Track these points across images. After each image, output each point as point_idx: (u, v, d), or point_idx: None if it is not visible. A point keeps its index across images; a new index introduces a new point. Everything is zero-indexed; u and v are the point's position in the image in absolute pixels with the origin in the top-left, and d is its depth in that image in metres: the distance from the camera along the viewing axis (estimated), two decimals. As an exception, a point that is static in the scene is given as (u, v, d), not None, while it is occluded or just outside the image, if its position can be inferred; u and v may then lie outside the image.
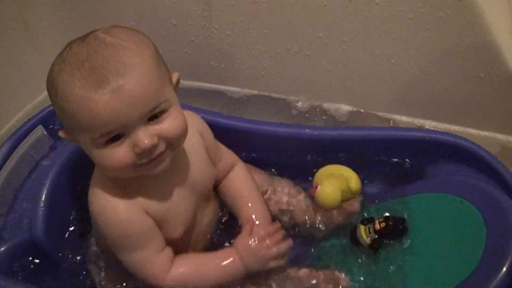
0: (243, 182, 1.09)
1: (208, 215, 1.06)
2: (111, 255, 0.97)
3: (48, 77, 0.85)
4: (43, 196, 1.01)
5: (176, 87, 0.92)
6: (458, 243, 0.93)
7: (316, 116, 1.32)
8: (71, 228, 1.09)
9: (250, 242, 0.95)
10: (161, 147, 0.84)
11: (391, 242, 0.99)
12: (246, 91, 1.35)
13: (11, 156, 1.10)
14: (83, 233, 1.09)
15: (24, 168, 1.12)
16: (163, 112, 0.84)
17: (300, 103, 1.33)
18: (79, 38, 0.85)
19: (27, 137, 1.15)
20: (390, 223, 0.98)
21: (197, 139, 1.02)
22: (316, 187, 1.06)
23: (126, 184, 0.90)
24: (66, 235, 1.07)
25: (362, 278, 0.99)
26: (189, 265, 0.93)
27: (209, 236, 1.07)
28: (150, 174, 0.88)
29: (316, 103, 1.31)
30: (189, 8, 1.24)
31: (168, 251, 0.93)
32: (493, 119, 1.19)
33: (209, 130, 1.06)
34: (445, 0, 1.06)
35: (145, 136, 0.81)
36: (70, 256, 1.06)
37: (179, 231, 0.96)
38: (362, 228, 1.00)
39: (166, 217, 0.94)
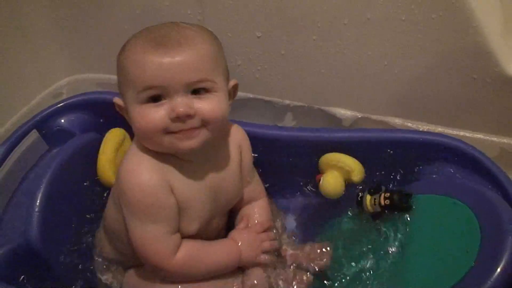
0: (260, 214, 1.09)
1: (220, 229, 1.07)
2: (118, 239, 0.99)
3: (120, 50, 0.93)
4: (38, 201, 1.01)
5: (232, 92, 0.98)
6: (452, 244, 0.93)
7: (310, 119, 1.33)
8: (68, 232, 1.08)
9: (246, 233, 1.01)
10: (195, 121, 0.87)
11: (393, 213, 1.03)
12: (241, 94, 1.35)
13: (6, 160, 1.10)
14: (81, 237, 1.09)
15: (19, 173, 1.12)
16: (207, 91, 0.88)
17: (295, 105, 1.33)
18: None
19: (22, 141, 1.15)
20: (395, 201, 1.01)
21: (235, 153, 1.03)
22: (320, 176, 1.13)
23: (160, 160, 0.92)
24: (63, 240, 1.07)
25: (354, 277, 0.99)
26: (192, 250, 0.94)
27: None
28: (180, 150, 0.89)
29: (310, 106, 1.31)
30: (182, 11, 1.24)
31: (178, 236, 0.94)
32: (486, 120, 1.19)
33: (250, 150, 1.08)
34: (438, 2, 1.06)
35: (183, 103, 0.85)
36: (67, 260, 1.05)
37: (194, 228, 0.97)
38: (368, 198, 1.06)
39: (186, 207, 0.94)
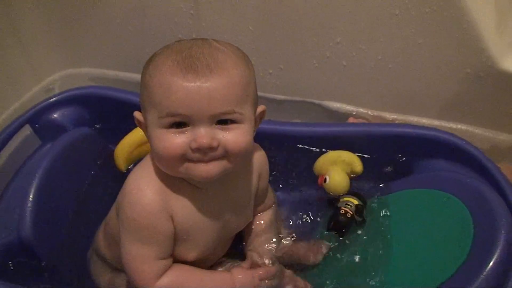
0: (265, 227, 1.07)
1: (225, 250, 1.05)
2: (117, 245, 0.95)
3: (149, 58, 0.88)
4: (31, 196, 1.01)
5: (258, 118, 0.92)
6: (446, 238, 0.93)
7: (304, 113, 1.33)
8: (61, 227, 1.08)
9: (247, 274, 0.95)
10: (217, 154, 0.82)
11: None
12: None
13: (-2, 155, 1.09)
14: (75, 233, 1.09)
15: (12, 168, 1.12)
16: (234, 122, 0.83)
17: (289, 100, 1.33)
18: (191, 39, 0.89)
19: (14, 136, 1.15)
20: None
21: (254, 180, 1.00)
22: (324, 177, 1.11)
23: (170, 185, 0.89)
24: (56, 235, 1.06)
25: (345, 273, 0.99)
26: (179, 277, 0.91)
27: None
28: (195, 178, 0.86)
29: (304, 100, 1.31)
30: (175, 6, 1.24)
31: (168, 261, 0.91)
32: (480, 114, 1.20)
33: (268, 173, 1.05)
34: (432, -4, 1.06)
35: (206, 134, 0.80)
36: (60, 256, 1.05)
37: (193, 255, 0.94)
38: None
39: (188, 236, 0.92)
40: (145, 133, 0.89)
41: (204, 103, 0.79)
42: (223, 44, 0.87)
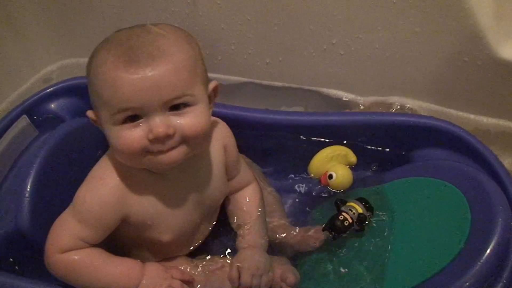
0: (250, 207, 1.07)
1: (209, 225, 1.05)
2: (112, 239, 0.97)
3: (91, 54, 0.86)
4: (28, 186, 1.00)
5: (213, 94, 0.91)
6: (443, 225, 0.94)
7: (302, 100, 1.33)
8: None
9: (159, 270, 0.92)
10: (175, 141, 0.82)
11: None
12: (235, 78, 1.35)
13: (-4, 146, 1.09)
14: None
15: (9, 158, 1.11)
16: (186, 105, 0.83)
17: (287, 87, 1.33)
18: (129, 27, 0.87)
19: (12, 127, 1.14)
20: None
21: (219, 153, 1.00)
22: (327, 175, 1.10)
23: (129, 176, 0.89)
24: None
25: (344, 261, 0.99)
26: (83, 260, 0.88)
27: (204, 238, 1.06)
28: (158, 168, 0.87)
29: (302, 88, 1.31)
30: (172, -6, 1.24)
31: (85, 245, 0.89)
32: (477, 102, 1.20)
33: (235, 145, 1.04)
34: (429, -16, 1.06)
35: (161, 123, 0.80)
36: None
37: (167, 238, 0.95)
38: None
39: (154, 221, 0.92)
40: (101, 130, 0.88)
41: (153, 93, 0.79)
42: (163, 27, 0.85)
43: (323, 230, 1.00)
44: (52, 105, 1.21)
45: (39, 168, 1.03)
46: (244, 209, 1.06)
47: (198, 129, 0.84)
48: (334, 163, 1.12)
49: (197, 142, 0.86)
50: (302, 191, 1.19)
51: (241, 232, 1.03)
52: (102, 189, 0.89)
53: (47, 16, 1.36)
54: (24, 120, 1.15)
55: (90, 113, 0.90)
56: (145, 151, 0.82)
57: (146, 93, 0.79)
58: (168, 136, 0.81)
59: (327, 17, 1.17)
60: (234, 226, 1.06)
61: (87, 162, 1.13)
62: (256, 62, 1.29)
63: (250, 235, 1.02)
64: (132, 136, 0.81)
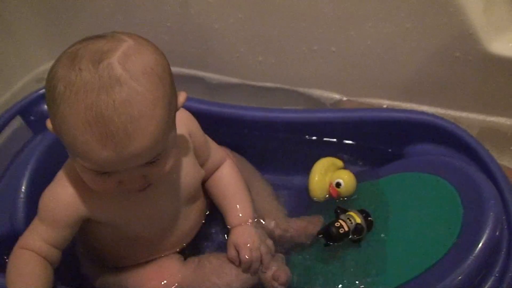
0: (229, 182, 1.06)
1: (194, 216, 1.04)
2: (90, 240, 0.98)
3: (51, 86, 0.76)
4: (23, 187, 1.01)
5: (181, 107, 0.88)
6: (436, 220, 0.94)
7: (293, 101, 1.33)
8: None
9: None
10: (146, 182, 0.83)
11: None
12: (225, 77, 1.35)
13: (-11, 147, 1.09)
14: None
15: (3, 160, 1.11)
16: (157, 157, 0.80)
17: (278, 88, 1.33)
18: (91, 56, 0.75)
19: (6, 128, 1.14)
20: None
21: (185, 141, 0.98)
22: (335, 184, 1.08)
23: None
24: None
25: (337, 257, 1.00)
26: (22, 261, 0.87)
27: (194, 233, 1.06)
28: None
29: (293, 88, 1.32)
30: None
31: (51, 251, 0.87)
32: (469, 98, 1.20)
33: (199, 128, 1.02)
34: (419, -19, 1.06)
35: (133, 178, 0.80)
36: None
37: (147, 234, 0.95)
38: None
39: (125, 220, 0.92)
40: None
41: (128, 163, 0.76)
42: (134, 72, 0.74)
43: (318, 234, 1.00)
44: (46, 106, 1.21)
45: (34, 169, 1.03)
46: (224, 187, 1.06)
47: (165, 171, 0.84)
48: (331, 173, 1.10)
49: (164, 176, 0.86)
50: (297, 189, 1.20)
51: (227, 210, 1.03)
52: (58, 188, 0.89)
53: (39, 15, 1.36)
54: (18, 121, 1.16)
55: (49, 126, 0.82)
56: (115, 190, 0.83)
57: (119, 164, 0.76)
58: (140, 186, 0.83)
59: (319, 14, 1.17)
60: (219, 207, 1.06)
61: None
62: (247, 61, 1.29)
63: (237, 211, 1.02)
64: (103, 183, 0.80)
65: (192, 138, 1.00)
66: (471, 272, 0.83)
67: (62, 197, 0.88)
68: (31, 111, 1.19)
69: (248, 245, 0.97)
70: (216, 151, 1.07)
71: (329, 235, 0.98)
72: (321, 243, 1.00)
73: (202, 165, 1.04)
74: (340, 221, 0.98)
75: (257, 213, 1.06)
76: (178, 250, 1.03)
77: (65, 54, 0.78)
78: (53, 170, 1.07)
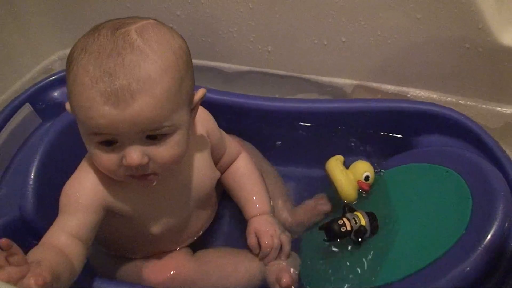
0: (245, 174, 1.07)
1: (205, 215, 1.05)
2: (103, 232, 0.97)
3: (70, 51, 0.80)
4: (32, 174, 1.01)
5: (199, 102, 0.88)
6: (444, 211, 0.94)
7: (304, 88, 1.33)
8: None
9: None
10: (149, 169, 0.81)
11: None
12: (237, 67, 1.35)
13: (-1, 134, 1.10)
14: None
15: (13, 146, 1.12)
16: (165, 135, 0.80)
17: (289, 76, 1.33)
18: (111, 25, 0.79)
19: (15, 115, 1.15)
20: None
21: (203, 140, 0.98)
22: (364, 178, 1.06)
23: (110, 179, 0.88)
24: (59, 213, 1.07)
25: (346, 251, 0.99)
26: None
27: (204, 230, 1.06)
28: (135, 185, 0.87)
29: (304, 76, 1.31)
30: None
31: (73, 242, 0.83)
32: (478, 88, 1.20)
33: (217, 127, 1.03)
34: (431, -29, 1.06)
35: (136, 153, 0.78)
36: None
37: (157, 230, 0.94)
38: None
39: (141, 214, 0.92)
40: None
41: (129, 126, 0.76)
42: (148, 38, 0.78)
43: (319, 229, 0.99)
44: (55, 93, 1.22)
45: (43, 155, 1.04)
46: (241, 179, 1.07)
47: (172, 160, 0.82)
48: (351, 169, 1.08)
49: (169, 169, 0.84)
50: (305, 178, 1.20)
51: (245, 202, 1.04)
52: (81, 176, 0.88)
53: (49, 5, 1.36)
54: (27, 108, 1.16)
55: (67, 107, 0.84)
56: (123, 175, 0.82)
57: (120, 126, 0.75)
58: (142, 166, 0.79)
59: (329, 4, 1.16)
60: (236, 199, 1.06)
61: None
62: (257, 50, 1.29)
63: (255, 203, 1.03)
64: (108, 159, 0.80)
65: (210, 137, 1.00)
66: (480, 263, 0.82)
67: (85, 183, 0.87)
68: (40, 98, 1.20)
69: (269, 232, 0.97)
70: (231, 146, 1.08)
71: (330, 231, 0.97)
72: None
73: (218, 160, 1.05)
74: (344, 219, 0.97)
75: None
76: (187, 244, 1.04)
77: (91, 28, 0.81)
78: (61, 157, 1.08)
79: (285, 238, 0.98)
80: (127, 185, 0.88)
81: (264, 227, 0.99)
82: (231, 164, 1.08)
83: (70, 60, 0.79)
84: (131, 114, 0.74)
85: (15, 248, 0.69)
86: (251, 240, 0.98)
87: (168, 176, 0.89)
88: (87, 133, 0.80)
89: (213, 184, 1.02)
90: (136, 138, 0.78)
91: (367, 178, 1.06)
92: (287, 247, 0.98)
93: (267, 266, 0.98)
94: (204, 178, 0.99)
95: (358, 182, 1.05)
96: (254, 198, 1.04)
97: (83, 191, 0.86)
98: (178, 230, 0.99)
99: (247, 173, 1.07)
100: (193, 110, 0.87)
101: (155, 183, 0.85)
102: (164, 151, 0.80)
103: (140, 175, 0.82)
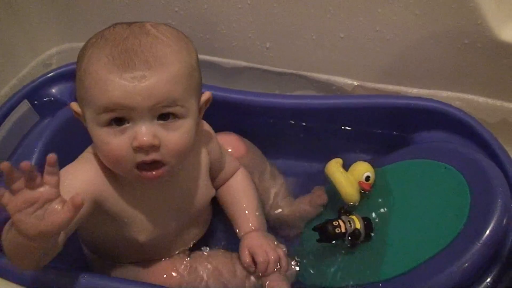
0: (240, 191, 1.06)
1: (198, 230, 1.05)
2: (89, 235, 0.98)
3: (83, 46, 0.84)
4: (30, 171, 1.01)
5: (204, 106, 0.90)
6: (443, 207, 0.94)
7: (302, 86, 1.33)
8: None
9: None
10: (158, 154, 0.80)
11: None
12: (235, 62, 1.34)
13: (-3, 131, 1.10)
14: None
15: (10, 144, 1.12)
16: (176, 117, 0.81)
17: (287, 73, 1.33)
18: (126, 22, 0.85)
19: (12, 112, 1.15)
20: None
21: (203, 157, 0.98)
22: (364, 178, 1.04)
23: (108, 173, 0.87)
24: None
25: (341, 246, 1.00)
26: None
27: (195, 241, 1.05)
28: (138, 181, 0.86)
29: (302, 74, 1.31)
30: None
31: None
32: (477, 84, 1.20)
33: (218, 144, 1.03)
34: (429, -34, 1.06)
35: (147, 132, 0.78)
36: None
37: (144, 238, 0.93)
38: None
39: (129, 218, 0.91)
40: (84, 125, 0.87)
41: (143, 98, 0.77)
42: (162, 30, 0.83)
43: (313, 229, 0.98)
44: (53, 90, 1.21)
45: (41, 152, 1.04)
46: (237, 196, 1.06)
47: (183, 146, 0.82)
48: (350, 171, 1.06)
49: (177, 159, 0.84)
50: (304, 173, 1.20)
51: (238, 219, 1.03)
52: (79, 167, 0.87)
53: (47, 0, 1.36)
54: (25, 105, 1.16)
55: (74, 106, 0.87)
56: (131, 163, 0.81)
57: (136, 97, 0.76)
58: (153, 147, 0.79)
59: (327, 0, 1.16)
60: (229, 215, 1.06)
61: (88, 146, 1.14)
62: (256, 46, 1.29)
63: (249, 220, 1.02)
64: (117, 142, 0.79)
65: (210, 154, 1.00)
66: (478, 259, 0.82)
67: (80, 173, 0.86)
68: (38, 95, 1.19)
69: (263, 246, 0.95)
70: (230, 162, 1.07)
71: (324, 232, 0.96)
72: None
73: (216, 176, 1.05)
74: (340, 221, 0.97)
75: (264, 196, 1.06)
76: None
77: None
78: (59, 154, 1.06)
79: (281, 252, 0.97)
80: (125, 184, 0.88)
81: (258, 242, 0.97)
82: (227, 180, 1.08)
83: (84, 48, 0.83)
84: (147, 86, 0.76)
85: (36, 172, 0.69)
86: (245, 258, 0.96)
87: (166, 184, 0.90)
88: (98, 112, 0.79)
89: (207, 202, 1.02)
90: (148, 117, 0.79)
91: (367, 178, 1.05)
92: (284, 262, 0.96)
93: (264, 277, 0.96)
94: (200, 195, 0.99)
95: (359, 183, 1.05)
96: (247, 214, 1.03)
97: (76, 180, 0.84)
98: (165, 242, 0.98)
99: (242, 190, 1.06)
100: (200, 110, 0.89)
101: (163, 178, 0.84)
102: (174, 136, 0.81)
103: (151, 162, 0.81)
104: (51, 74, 1.22)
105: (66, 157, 1.08)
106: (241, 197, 1.05)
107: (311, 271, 1.00)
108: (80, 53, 0.83)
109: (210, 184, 1.02)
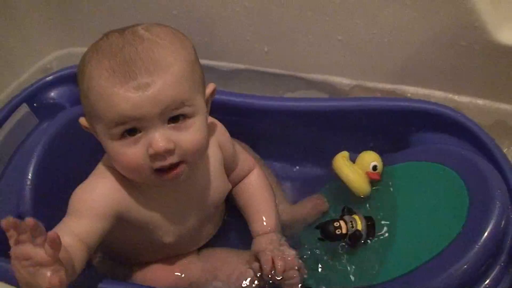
0: (256, 191, 1.06)
1: (213, 224, 1.05)
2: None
3: (80, 61, 0.84)
4: (29, 175, 1.01)
5: (210, 98, 0.90)
6: (441, 209, 0.94)
7: (300, 87, 1.33)
8: (60, 207, 1.07)
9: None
10: (175, 157, 0.81)
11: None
12: (233, 65, 1.35)
13: (-4, 135, 1.10)
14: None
15: (9, 147, 1.12)
16: (186, 117, 0.81)
17: (286, 75, 1.33)
18: (118, 30, 0.84)
19: (12, 116, 1.15)
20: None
21: (215, 153, 0.98)
22: (372, 168, 1.05)
23: (127, 184, 0.88)
24: (56, 214, 1.06)
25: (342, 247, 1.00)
26: None
27: (211, 236, 1.06)
28: (160, 185, 0.86)
29: (300, 75, 1.31)
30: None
31: (75, 241, 0.78)
32: (474, 85, 1.20)
33: (230, 140, 1.03)
34: (426, -31, 1.06)
35: (161, 138, 0.78)
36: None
37: (170, 240, 0.94)
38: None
39: (153, 224, 0.92)
40: (96, 137, 0.87)
41: (151, 106, 0.77)
42: (156, 31, 0.83)
43: (316, 227, 0.99)
44: (52, 93, 1.21)
45: (41, 155, 1.03)
46: (250, 196, 1.06)
47: (198, 145, 0.83)
48: (357, 162, 1.07)
49: (195, 157, 0.85)
50: (301, 178, 1.20)
51: (252, 220, 1.03)
52: (96, 181, 0.88)
53: (46, 5, 1.36)
54: (24, 109, 1.16)
55: (83, 121, 0.88)
56: (149, 170, 0.81)
57: (144, 107, 0.77)
58: (169, 151, 0.79)
59: (325, 2, 1.17)
60: (244, 215, 1.05)
61: (88, 149, 1.14)
62: (254, 49, 1.29)
63: (262, 221, 1.02)
64: (133, 152, 0.80)
65: (222, 149, 1.00)
66: (477, 261, 0.83)
67: (100, 188, 0.86)
68: (37, 98, 1.19)
69: (270, 254, 0.94)
70: (245, 160, 1.07)
71: (325, 231, 0.97)
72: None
73: (230, 174, 1.05)
74: (341, 221, 0.97)
75: None
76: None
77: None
78: (59, 158, 1.08)
79: (289, 261, 0.94)
80: (144, 191, 0.89)
81: (265, 247, 0.96)
82: (242, 178, 1.08)
83: (82, 64, 0.82)
84: (153, 93, 0.77)
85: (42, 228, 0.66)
86: (251, 263, 0.96)
87: (184, 182, 0.88)
88: (109, 127, 0.80)
89: (223, 196, 1.03)
90: (159, 123, 0.79)
91: (375, 167, 1.05)
92: (292, 262, 0.94)
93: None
94: (217, 189, 0.99)
95: (367, 173, 1.05)
96: (261, 215, 1.02)
97: (97, 198, 0.85)
98: (187, 239, 0.99)
99: (258, 190, 1.06)
100: (206, 103, 0.89)
101: (184, 176, 0.84)
102: (187, 136, 0.81)
103: (169, 166, 0.81)
104: (50, 77, 1.22)
105: (66, 161, 1.09)
106: (255, 197, 1.05)
107: (309, 271, 1.00)
108: (80, 70, 0.83)
109: (226, 179, 1.02)
